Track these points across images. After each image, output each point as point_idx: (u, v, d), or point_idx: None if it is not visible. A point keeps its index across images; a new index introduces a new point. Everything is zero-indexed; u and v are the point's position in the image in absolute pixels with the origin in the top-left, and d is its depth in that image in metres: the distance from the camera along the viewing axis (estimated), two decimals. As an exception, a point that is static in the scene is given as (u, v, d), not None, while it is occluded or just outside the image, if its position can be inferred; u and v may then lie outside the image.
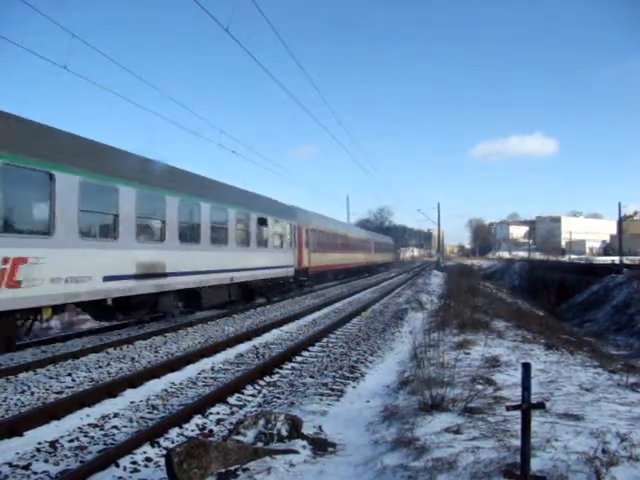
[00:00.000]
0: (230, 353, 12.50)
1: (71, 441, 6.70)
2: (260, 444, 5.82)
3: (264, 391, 9.29)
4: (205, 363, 11.35)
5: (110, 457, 5.93)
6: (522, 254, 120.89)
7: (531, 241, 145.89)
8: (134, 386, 9.28)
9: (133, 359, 11.73)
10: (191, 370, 10.71)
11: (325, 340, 14.20)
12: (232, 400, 8.67)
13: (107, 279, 13.20)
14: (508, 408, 4.58)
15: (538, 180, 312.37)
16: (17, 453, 6.23)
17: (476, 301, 21.23)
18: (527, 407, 4.36)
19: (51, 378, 9.96)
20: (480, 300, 22.65)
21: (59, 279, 11.55)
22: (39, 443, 6.57)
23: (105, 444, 6.62)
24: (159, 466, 5.74)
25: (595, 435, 5.67)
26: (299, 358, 11.95)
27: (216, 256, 18.74)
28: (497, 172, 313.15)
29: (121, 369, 10.79)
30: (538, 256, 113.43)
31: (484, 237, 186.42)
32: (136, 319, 16.34)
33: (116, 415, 7.78)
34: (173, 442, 6.56)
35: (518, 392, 4.86)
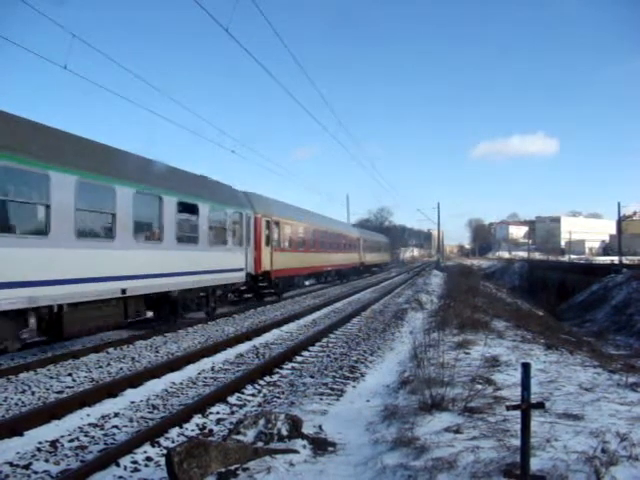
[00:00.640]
0: (230, 353, 12.50)
1: (71, 441, 6.71)
2: (260, 444, 5.82)
3: (264, 391, 9.30)
4: (205, 363, 11.35)
5: (111, 457, 5.95)
6: (522, 254, 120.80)
7: (531, 241, 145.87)
8: (134, 386, 9.29)
9: (133, 359, 11.73)
10: (191, 370, 10.71)
11: (325, 340, 14.20)
12: (232, 400, 8.68)
13: None
14: (508, 408, 4.59)
15: (538, 180, 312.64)
16: (17, 453, 6.25)
17: (476, 301, 21.24)
18: (527, 407, 4.37)
19: (51, 378, 9.97)
20: (480, 300, 22.67)
21: None
22: (40, 443, 6.59)
23: (106, 444, 6.63)
24: (159, 466, 5.75)
25: (595, 435, 5.68)
26: (299, 358, 11.95)
27: (89, 256, 12.09)
28: (497, 172, 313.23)
29: (121, 369, 10.79)
30: (538, 256, 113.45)
31: (484, 237, 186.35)
32: None
33: (116, 415, 7.79)
34: (173, 442, 6.57)
35: (518, 392, 4.87)
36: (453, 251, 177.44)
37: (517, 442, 4.88)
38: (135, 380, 9.54)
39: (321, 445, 6.05)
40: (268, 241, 25.01)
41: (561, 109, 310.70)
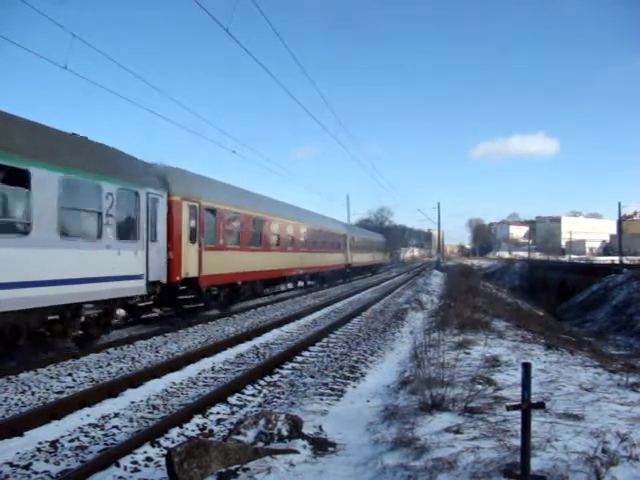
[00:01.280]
0: (230, 353, 12.50)
1: (72, 441, 6.71)
2: (260, 444, 5.82)
3: (264, 391, 9.30)
4: (205, 363, 11.35)
5: (111, 457, 5.95)
6: (522, 254, 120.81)
7: (531, 241, 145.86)
8: (134, 386, 9.28)
9: (133, 359, 11.73)
10: (191, 370, 10.71)
11: (325, 340, 14.20)
12: (232, 400, 8.68)
13: None
14: (508, 408, 4.59)
15: (538, 180, 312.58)
16: (18, 453, 6.24)
17: (476, 301, 21.24)
18: (527, 407, 4.37)
19: (52, 378, 9.96)
20: (480, 300, 22.68)
21: None
22: (40, 443, 6.58)
23: (106, 444, 6.63)
24: (159, 466, 5.75)
25: (595, 435, 5.68)
26: (299, 358, 11.95)
27: None
28: (497, 172, 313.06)
29: (121, 369, 10.79)
30: (538, 256, 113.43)
31: (484, 237, 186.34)
32: None
33: (116, 415, 7.79)
34: (173, 442, 6.57)
35: (518, 392, 4.87)
36: (453, 251, 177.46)
37: (517, 442, 4.88)
38: (135, 380, 9.53)
39: (321, 445, 6.05)
40: (194, 236, 17.63)
41: (561, 109, 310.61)
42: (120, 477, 5.60)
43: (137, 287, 14.24)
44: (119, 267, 13.32)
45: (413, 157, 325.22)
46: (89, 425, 7.33)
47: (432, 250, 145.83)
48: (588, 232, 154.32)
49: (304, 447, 5.86)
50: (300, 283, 34.55)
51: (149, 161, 16.42)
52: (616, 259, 59.26)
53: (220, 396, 8.64)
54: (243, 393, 9.11)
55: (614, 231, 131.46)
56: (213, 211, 19.26)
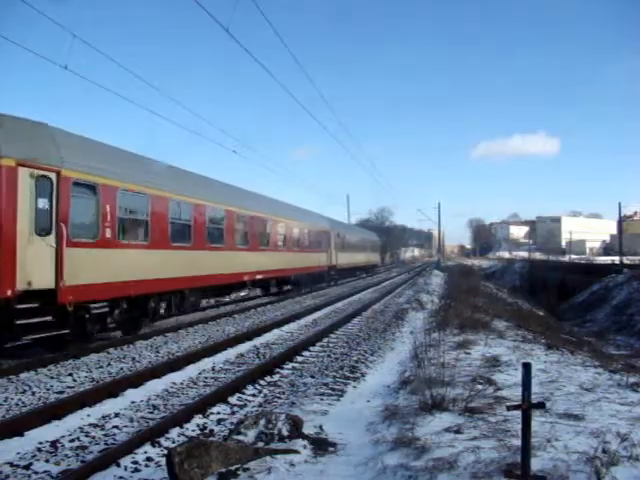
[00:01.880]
0: (231, 353, 12.50)
1: (72, 441, 6.71)
2: (261, 444, 5.82)
3: (265, 391, 9.30)
4: (206, 363, 11.35)
5: (111, 457, 5.95)
6: (522, 254, 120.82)
7: (531, 241, 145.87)
8: (135, 386, 9.28)
9: (134, 359, 11.74)
10: (192, 370, 10.71)
11: (326, 340, 14.20)
12: (233, 400, 8.68)
13: None
14: (509, 408, 4.60)
15: (539, 180, 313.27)
16: (18, 453, 6.24)
17: (476, 301, 21.22)
18: (527, 407, 4.37)
19: (52, 378, 9.97)
20: (480, 300, 22.66)
21: None
22: (40, 443, 6.58)
23: (106, 444, 6.63)
24: (160, 466, 5.75)
25: (595, 435, 5.68)
26: (300, 358, 11.95)
27: None
28: (498, 172, 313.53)
29: (122, 369, 10.79)
30: (538, 256, 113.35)
31: (485, 237, 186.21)
32: None
33: (117, 415, 7.79)
34: (174, 442, 6.57)
35: (518, 392, 4.87)
36: (454, 251, 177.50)
37: (518, 442, 4.88)
38: (136, 380, 9.53)
39: (322, 445, 6.04)
40: (46, 225, 11.44)
41: (562, 108, 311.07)
42: (121, 477, 5.60)
43: None
44: None
45: (413, 157, 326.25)
46: (89, 425, 7.33)
47: (432, 250, 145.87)
48: (588, 232, 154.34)
49: (304, 447, 5.86)
50: (271, 290, 28.53)
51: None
52: (616, 259, 59.24)
53: (220, 396, 8.63)
54: (243, 393, 9.11)
55: (614, 231, 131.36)
56: (92, 187, 12.86)
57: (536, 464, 4.67)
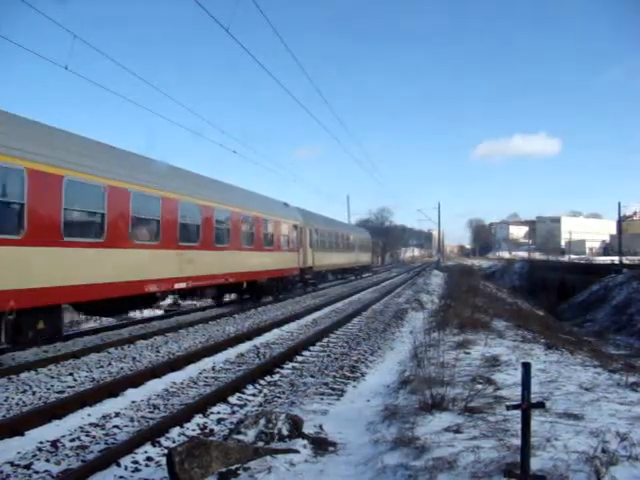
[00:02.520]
0: (231, 353, 12.50)
1: (72, 440, 6.72)
2: (261, 443, 5.84)
3: (265, 390, 9.31)
4: (206, 363, 11.35)
5: (111, 456, 5.96)
6: (522, 254, 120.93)
7: (531, 241, 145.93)
8: (135, 385, 9.28)
9: (134, 359, 11.74)
10: (192, 370, 10.71)
11: (326, 340, 14.19)
12: (233, 399, 8.68)
13: None
14: (508, 407, 4.60)
15: (538, 180, 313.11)
16: (18, 452, 6.25)
17: (476, 301, 21.24)
18: (527, 406, 4.38)
19: (52, 378, 9.98)
20: (480, 300, 22.68)
21: None
22: (40, 442, 6.59)
23: (106, 443, 6.64)
24: (160, 465, 5.76)
25: (595, 434, 5.69)
26: (300, 358, 11.95)
27: None
28: (498, 172, 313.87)
29: (122, 369, 10.80)
30: (538, 256, 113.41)
31: (484, 237, 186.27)
32: None
33: (117, 414, 7.79)
34: (174, 441, 6.58)
35: (518, 392, 4.88)
36: (453, 251, 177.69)
37: (517, 442, 4.89)
38: (136, 380, 9.54)
39: (322, 445, 6.06)
40: None
41: (563, 109, 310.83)
42: (121, 477, 5.61)
43: None
44: None
45: (414, 157, 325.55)
46: (90, 425, 7.33)
47: (432, 250, 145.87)
48: (588, 232, 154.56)
49: (304, 447, 5.87)
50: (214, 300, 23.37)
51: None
52: (616, 259, 59.30)
53: (221, 396, 8.64)
54: (244, 393, 9.12)
55: (614, 231, 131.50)
56: None
57: (536, 463, 4.68)
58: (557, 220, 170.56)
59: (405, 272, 63.98)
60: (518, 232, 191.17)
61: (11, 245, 10.17)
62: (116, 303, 13.93)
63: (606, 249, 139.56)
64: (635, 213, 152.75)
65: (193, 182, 18.45)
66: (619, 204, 62.55)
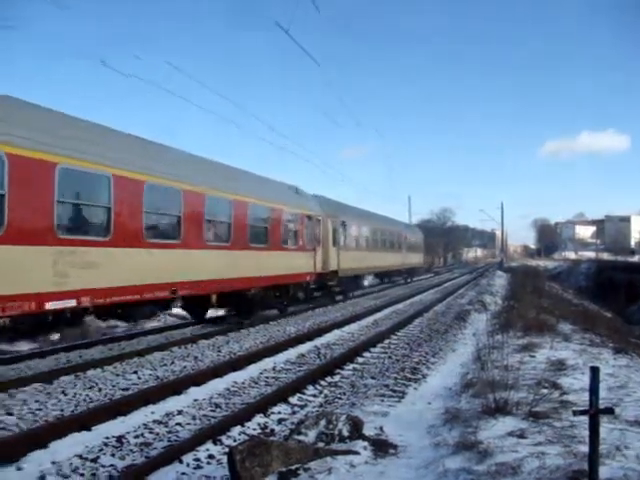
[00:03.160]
0: (292, 353, 12.56)
1: (137, 437, 6.87)
2: (321, 444, 5.83)
3: (325, 391, 9.31)
4: (267, 363, 11.44)
5: (174, 453, 6.08)
6: (589, 254, 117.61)
7: (598, 241, 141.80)
8: (198, 384, 9.43)
9: (196, 358, 11.93)
10: (253, 369, 10.81)
11: (386, 341, 14.11)
12: (293, 400, 8.72)
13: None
14: (575, 413, 4.46)
15: (606, 178, 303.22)
16: (86, 447, 6.44)
17: (541, 302, 20.75)
18: (595, 412, 4.23)
19: (118, 375, 10.23)
20: (545, 301, 22.15)
21: None
22: (106, 438, 6.77)
23: (169, 441, 6.76)
24: (221, 463, 5.83)
25: (669, 444, 5.45)
26: (360, 359, 11.90)
27: None
28: (564, 171, 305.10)
29: (185, 367, 10.99)
30: (606, 257, 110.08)
31: (549, 237, 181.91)
32: None
33: (180, 412, 7.93)
34: (235, 440, 6.64)
35: (585, 397, 4.72)
36: (517, 251, 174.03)
37: (584, 449, 4.72)
38: (198, 379, 9.69)
39: (382, 447, 6.00)
40: None
41: (632, 105, 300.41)
42: (183, 473, 5.70)
43: None
44: None
45: (477, 157, 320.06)
46: (153, 422, 7.49)
47: (495, 250, 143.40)
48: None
49: (365, 448, 5.83)
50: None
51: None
52: (690, 260, 57.02)
53: (281, 396, 8.69)
54: (304, 393, 9.15)
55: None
56: None
57: (605, 473, 4.51)
58: (627, 219, 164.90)
59: (467, 273, 63.08)
60: (585, 232, 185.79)
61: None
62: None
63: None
64: None
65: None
66: (693, 203, 60.19)
